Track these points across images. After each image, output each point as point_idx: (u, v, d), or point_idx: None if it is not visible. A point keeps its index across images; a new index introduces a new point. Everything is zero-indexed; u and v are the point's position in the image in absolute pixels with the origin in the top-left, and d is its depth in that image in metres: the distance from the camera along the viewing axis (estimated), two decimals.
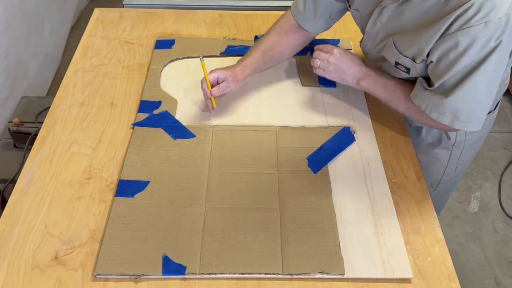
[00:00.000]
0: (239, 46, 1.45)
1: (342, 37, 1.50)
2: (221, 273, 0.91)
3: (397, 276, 0.92)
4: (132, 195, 1.04)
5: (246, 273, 0.91)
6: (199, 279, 0.91)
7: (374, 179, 1.10)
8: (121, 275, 0.91)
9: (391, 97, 1.15)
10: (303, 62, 1.39)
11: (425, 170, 1.26)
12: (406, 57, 1.07)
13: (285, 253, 0.94)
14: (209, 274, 0.91)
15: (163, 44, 1.45)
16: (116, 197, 1.03)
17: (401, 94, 1.13)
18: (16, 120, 1.59)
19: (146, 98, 1.27)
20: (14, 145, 1.61)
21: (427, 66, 1.05)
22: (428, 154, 1.30)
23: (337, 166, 1.12)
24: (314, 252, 0.95)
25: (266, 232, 0.98)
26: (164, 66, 1.38)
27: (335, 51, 1.18)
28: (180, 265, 0.92)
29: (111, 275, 0.91)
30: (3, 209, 1.02)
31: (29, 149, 1.16)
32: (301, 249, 0.95)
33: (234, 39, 1.48)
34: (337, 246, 0.96)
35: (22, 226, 0.99)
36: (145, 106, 1.25)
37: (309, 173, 1.09)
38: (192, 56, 1.41)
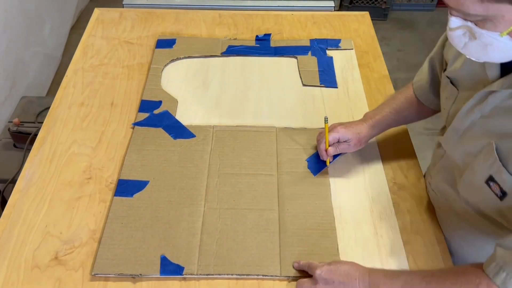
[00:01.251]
0: (240, 46, 1.45)
1: (342, 37, 1.50)
2: (219, 274, 0.91)
3: None
4: (131, 195, 1.04)
5: (244, 274, 0.91)
6: (199, 279, 0.91)
7: (374, 179, 1.10)
8: (119, 275, 0.91)
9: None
10: (304, 62, 1.39)
11: None
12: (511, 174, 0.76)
13: (283, 255, 0.94)
14: (207, 274, 0.91)
15: (164, 43, 1.45)
16: (115, 197, 1.03)
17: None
18: (16, 120, 1.59)
19: (147, 97, 1.27)
20: (14, 145, 1.60)
21: None
22: None
23: (337, 166, 1.12)
24: (313, 254, 0.94)
25: (265, 233, 0.98)
26: (165, 65, 1.38)
27: (317, 272, 0.87)
28: (178, 266, 0.92)
29: (109, 274, 0.91)
30: (3, 209, 1.02)
31: (29, 149, 1.16)
32: (299, 251, 0.95)
33: (235, 39, 1.48)
34: (336, 248, 0.95)
35: (22, 226, 0.99)
36: (146, 105, 1.25)
37: (308, 174, 1.09)
38: (193, 56, 1.41)
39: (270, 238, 0.97)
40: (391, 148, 1.18)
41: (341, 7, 3.21)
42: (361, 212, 1.03)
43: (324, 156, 1.08)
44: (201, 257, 0.93)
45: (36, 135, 1.20)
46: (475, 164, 0.82)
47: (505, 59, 0.73)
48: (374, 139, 1.18)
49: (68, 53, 2.70)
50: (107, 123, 1.21)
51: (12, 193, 1.05)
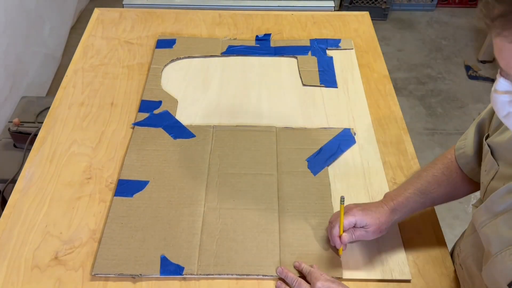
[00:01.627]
0: (240, 46, 1.45)
1: (342, 37, 1.50)
2: (219, 274, 0.91)
3: (395, 277, 0.92)
4: (131, 194, 1.04)
5: (244, 274, 0.91)
6: (199, 279, 0.91)
7: (374, 179, 1.09)
8: (119, 275, 0.91)
9: None
10: (304, 62, 1.39)
11: None
12: None
13: (283, 255, 0.94)
14: (207, 275, 0.91)
15: (164, 43, 1.45)
16: (115, 197, 1.03)
17: None
18: (16, 120, 1.59)
19: (147, 98, 1.27)
20: (14, 145, 1.60)
21: None
22: None
23: (337, 166, 1.12)
24: (312, 255, 0.94)
25: (265, 233, 0.98)
26: (165, 65, 1.38)
27: (318, 285, 0.85)
28: (178, 266, 0.92)
29: (109, 274, 0.91)
30: (3, 209, 1.02)
31: (29, 149, 1.16)
32: (299, 251, 0.95)
33: (235, 39, 1.48)
34: (336, 249, 0.95)
35: (22, 226, 0.99)
36: (146, 105, 1.25)
37: (308, 174, 1.09)
38: (193, 56, 1.41)
39: (270, 238, 0.97)
40: (391, 148, 1.18)
41: (341, 7, 3.21)
42: None
43: (337, 244, 0.91)
44: (201, 257, 0.93)
45: (36, 135, 1.20)
46: (498, 259, 0.70)
47: None
48: (374, 139, 1.18)
49: (68, 53, 2.70)
50: (107, 123, 1.21)
51: (12, 193, 1.05)
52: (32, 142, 1.19)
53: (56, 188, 1.06)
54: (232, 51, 1.43)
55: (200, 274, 0.91)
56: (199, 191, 1.05)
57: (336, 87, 1.33)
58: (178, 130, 1.18)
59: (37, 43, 2.40)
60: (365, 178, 1.10)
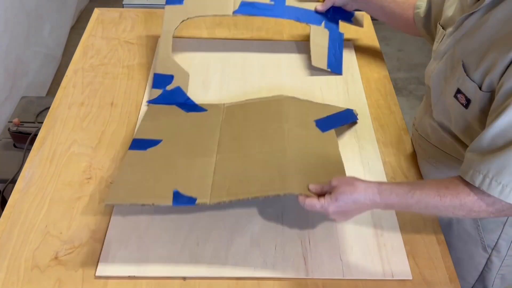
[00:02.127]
0: (254, 2, 1.37)
1: None
2: (231, 201, 0.91)
3: (396, 277, 0.92)
4: (145, 148, 1.06)
5: (254, 197, 0.90)
6: (199, 278, 0.91)
7: (374, 179, 1.09)
8: (130, 204, 0.91)
9: (420, 199, 0.84)
10: (317, 33, 1.38)
11: (457, 269, 0.98)
12: (473, 81, 0.87)
13: (294, 178, 0.95)
14: (219, 203, 0.91)
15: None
16: (129, 150, 1.05)
17: (433, 188, 0.84)
18: (16, 120, 1.59)
19: (160, 71, 1.29)
20: (14, 145, 1.60)
21: (491, 99, 0.85)
22: (460, 249, 1.08)
23: None
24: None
25: (276, 165, 0.98)
26: (176, 28, 1.34)
27: (331, 213, 0.88)
28: (190, 197, 0.92)
29: (120, 204, 0.91)
30: (3, 209, 1.02)
31: (29, 149, 1.16)
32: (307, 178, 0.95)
33: None
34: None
35: (22, 226, 0.99)
36: (159, 80, 1.27)
37: (317, 131, 1.12)
38: (205, 14, 1.37)
39: (282, 166, 0.98)
40: (391, 148, 1.18)
41: None
42: None
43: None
44: (213, 191, 0.94)
45: (36, 135, 1.20)
46: (447, 83, 0.96)
47: None
48: (374, 139, 1.18)
49: (68, 53, 2.70)
50: (107, 123, 1.21)
51: (12, 193, 1.05)
52: (32, 142, 1.19)
53: (56, 188, 1.06)
54: (245, 9, 1.36)
55: (212, 203, 0.91)
56: (211, 146, 1.07)
57: (341, 74, 1.35)
58: (190, 107, 1.21)
59: (37, 43, 2.40)
60: (365, 178, 1.09)
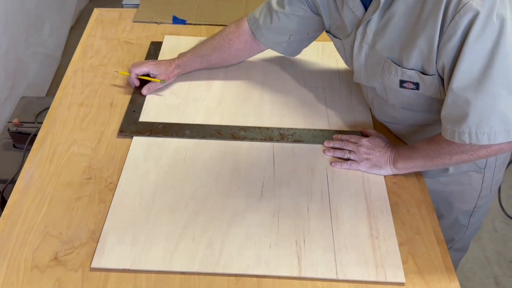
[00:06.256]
0: None
1: None
2: None
3: (389, 280, 0.91)
4: None
5: None
6: (198, 274, 0.91)
7: (372, 180, 1.09)
8: None
9: (434, 155, 1.01)
10: None
11: (459, 199, 1.18)
12: (412, 69, 0.97)
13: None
14: None
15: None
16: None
17: (442, 144, 0.98)
18: (15, 120, 1.58)
19: None
20: (14, 145, 1.60)
21: (439, 77, 0.95)
22: (460, 182, 1.17)
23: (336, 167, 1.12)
24: None
25: None
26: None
27: (364, 140, 1.10)
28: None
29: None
30: (3, 209, 1.02)
31: (28, 150, 1.16)
32: None
33: None
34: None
35: (21, 226, 0.99)
36: None
37: None
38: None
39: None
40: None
41: None
42: (358, 213, 1.02)
43: (135, 82, 1.27)
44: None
45: (35, 135, 1.20)
46: (385, 81, 1.03)
47: None
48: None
49: (68, 53, 2.70)
50: (107, 123, 1.21)
51: (12, 193, 1.05)
52: (31, 142, 1.19)
53: (56, 188, 1.06)
54: None
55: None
56: None
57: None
58: None
59: (37, 43, 2.40)
60: (363, 179, 1.10)
